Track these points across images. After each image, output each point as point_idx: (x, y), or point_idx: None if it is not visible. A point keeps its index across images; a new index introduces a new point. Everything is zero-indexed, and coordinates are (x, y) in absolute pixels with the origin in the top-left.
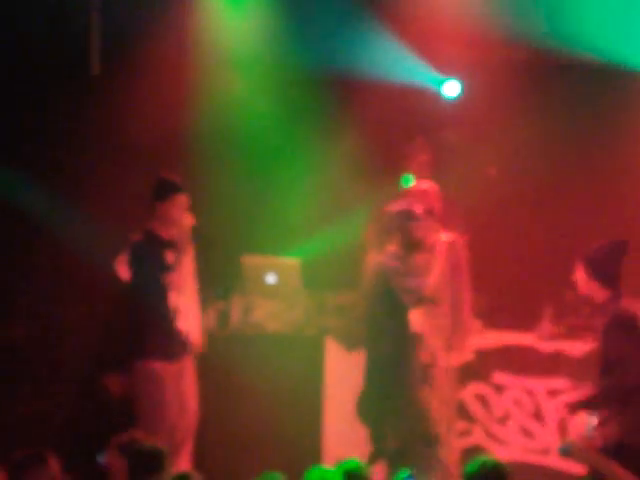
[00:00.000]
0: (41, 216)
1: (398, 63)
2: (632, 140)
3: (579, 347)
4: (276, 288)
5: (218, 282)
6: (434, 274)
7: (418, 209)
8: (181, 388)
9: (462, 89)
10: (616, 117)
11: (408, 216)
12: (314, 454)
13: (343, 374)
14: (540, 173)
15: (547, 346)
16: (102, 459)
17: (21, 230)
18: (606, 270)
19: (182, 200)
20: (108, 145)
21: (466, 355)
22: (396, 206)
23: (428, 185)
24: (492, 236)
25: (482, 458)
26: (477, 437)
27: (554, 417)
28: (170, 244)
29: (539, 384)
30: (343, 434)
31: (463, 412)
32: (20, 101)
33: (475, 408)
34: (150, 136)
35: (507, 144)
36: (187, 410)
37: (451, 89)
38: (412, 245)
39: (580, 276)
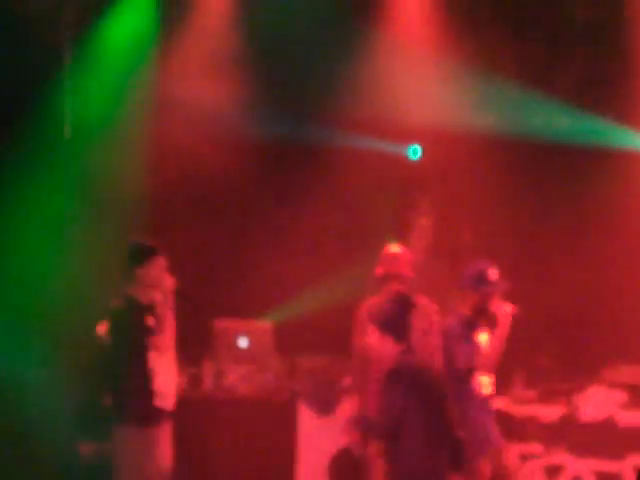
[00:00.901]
0: None
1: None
2: (597, 207)
3: (552, 411)
4: (248, 352)
5: (190, 346)
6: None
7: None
8: (157, 452)
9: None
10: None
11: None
12: None
13: (315, 438)
14: (512, 239)
15: (520, 410)
16: None
17: None
18: (397, 326)
19: (160, 262)
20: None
21: None
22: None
23: (399, 249)
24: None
25: None
26: None
27: None
28: (150, 308)
29: (512, 449)
30: None
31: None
32: None
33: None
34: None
35: (480, 207)
36: (162, 473)
37: (414, 153)
38: None
39: (373, 336)
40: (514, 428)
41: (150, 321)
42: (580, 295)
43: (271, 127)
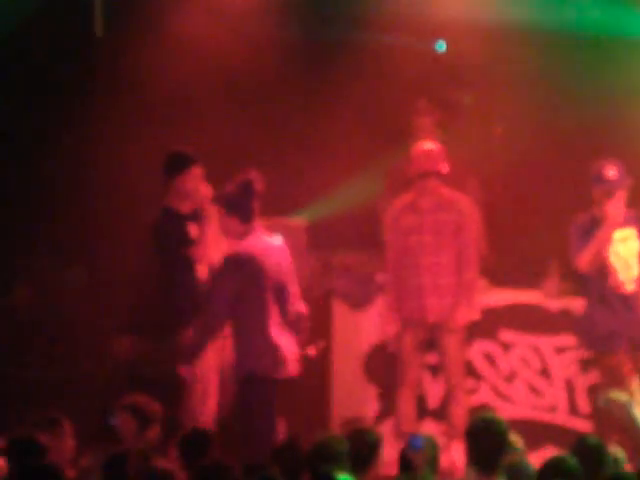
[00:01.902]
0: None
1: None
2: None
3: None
4: None
5: None
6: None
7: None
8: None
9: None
10: (615, 79)
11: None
12: (323, 414)
13: (350, 334)
14: (546, 132)
15: (553, 303)
16: (113, 420)
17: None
18: (241, 206)
19: (197, 171)
20: (120, 106)
21: (473, 314)
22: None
23: (433, 145)
24: (497, 194)
25: (483, 414)
26: (484, 395)
27: (561, 375)
28: (190, 217)
29: (546, 341)
30: (352, 393)
31: (470, 370)
32: (23, 69)
33: (482, 366)
34: (164, 94)
35: (511, 102)
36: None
37: (441, 47)
38: None
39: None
40: (548, 321)
41: (192, 230)
42: None
43: (301, 27)
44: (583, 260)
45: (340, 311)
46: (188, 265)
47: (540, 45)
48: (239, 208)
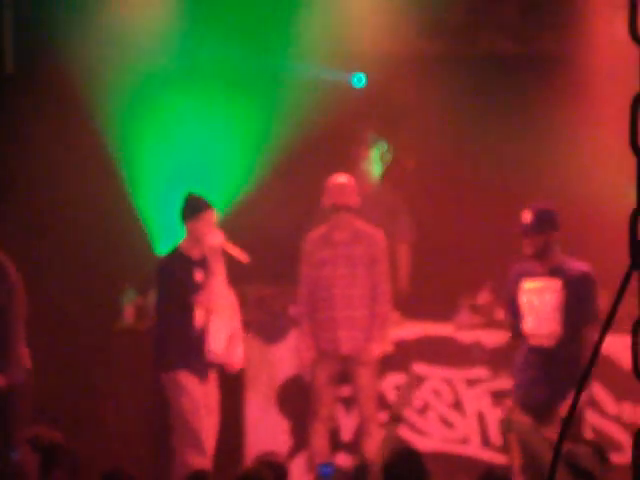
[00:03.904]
0: None
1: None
2: (546, 121)
3: (497, 336)
4: None
5: (133, 278)
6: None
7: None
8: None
9: (368, 81)
10: (528, 101)
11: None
12: (236, 448)
13: (263, 368)
14: (459, 164)
15: (465, 336)
16: (15, 456)
17: None
18: None
19: (210, 217)
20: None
21: (386, 346)
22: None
23: (345, 179)
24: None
25: (398, 447)
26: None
27: (473, 407)
28: (198, 263)
29: (458, 374)
30: (265, 427)
31: (383, 403)
32: None
33: (395, 399)
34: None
35: (423, 135)
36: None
37: (359, 82)
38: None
39: None
40: (460, 353)
41: (197, 276)
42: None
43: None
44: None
45: (253, 344)
46: (188, 309)
47: (454, 73)
48: None
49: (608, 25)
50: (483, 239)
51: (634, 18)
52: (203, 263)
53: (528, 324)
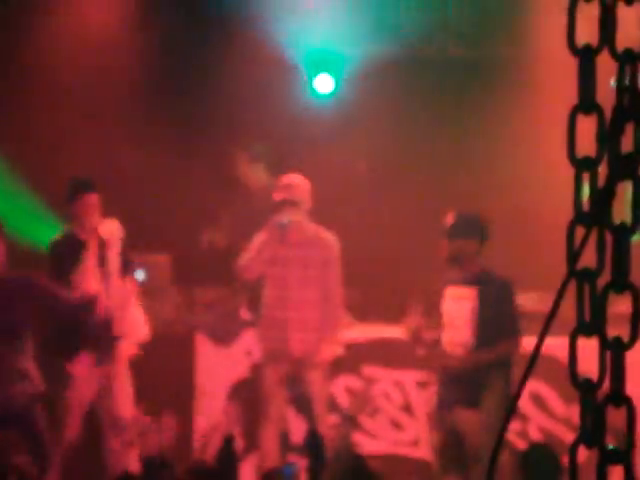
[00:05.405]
0: None
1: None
2: (499, 125)
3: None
4: (145, 285)
5: None
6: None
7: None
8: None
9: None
10: (483, 104)
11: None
12: (187, 449)
13: (214, 370)
14: (409, 169)
15: None
16: None
17: None
18: None
19: (92, 200)
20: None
21: (337, 349)
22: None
23: (298, 179)
24: (362, 230)
25: (346, 453)
26: None
27: (424, 409)
28: (84, 244)
29: (408, 376)
30: (215, 430)
31: (334, 405)
32: None
33: (345, 401)
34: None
35: (376, 139)
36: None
37: (323, 84)
38: None
39: None
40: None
41: (84, 257)
42: None
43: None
44: None
45: (204, 347)
46: (74, 289)
47: (411, 74)
48: None
49: (557, 29)
50: (433, 243)
51: (572, 30)
52: (87, 244)
53: (447, 331)
